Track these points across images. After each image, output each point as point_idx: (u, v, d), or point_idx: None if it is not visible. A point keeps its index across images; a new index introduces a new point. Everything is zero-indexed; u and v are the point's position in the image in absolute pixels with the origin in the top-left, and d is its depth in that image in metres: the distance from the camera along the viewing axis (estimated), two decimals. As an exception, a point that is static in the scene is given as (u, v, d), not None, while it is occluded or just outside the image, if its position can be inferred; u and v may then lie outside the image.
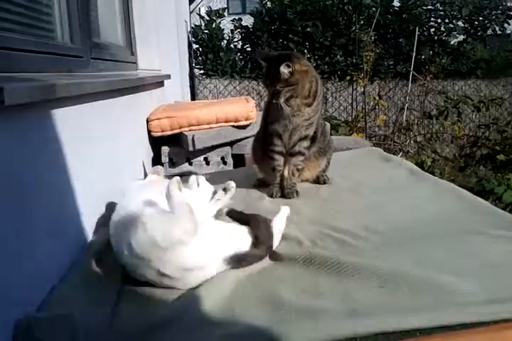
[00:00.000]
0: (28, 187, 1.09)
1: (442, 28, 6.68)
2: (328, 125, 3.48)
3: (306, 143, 1.97)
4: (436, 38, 6.63)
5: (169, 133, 2.77)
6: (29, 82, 1.13)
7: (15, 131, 1.05)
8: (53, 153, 1.29)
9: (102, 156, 1.74)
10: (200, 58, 6.85)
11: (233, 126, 2.89)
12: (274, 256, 1.32)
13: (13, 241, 1.00)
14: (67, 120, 1.36)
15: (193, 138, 2.70)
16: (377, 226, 1.47)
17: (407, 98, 5.53)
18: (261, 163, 2.13)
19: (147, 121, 2.75)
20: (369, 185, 1.94)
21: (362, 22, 6.23)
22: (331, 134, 3.74)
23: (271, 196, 1.95)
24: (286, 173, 1.99)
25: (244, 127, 2.90)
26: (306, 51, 5.97)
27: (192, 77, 6.33)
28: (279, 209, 1.53)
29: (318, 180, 2.12)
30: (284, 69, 1.78)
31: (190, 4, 7.22)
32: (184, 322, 1.00)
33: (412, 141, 5.05)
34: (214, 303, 1.07)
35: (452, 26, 6.61)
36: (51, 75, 1.53)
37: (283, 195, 1.95)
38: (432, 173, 4.01)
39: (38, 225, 1.13)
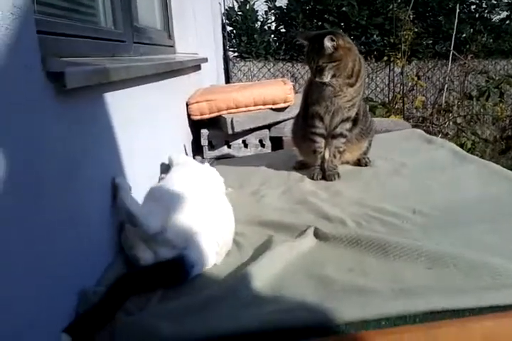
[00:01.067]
0: (78, 162, 1.13)
1: (484, 5, 6.42)
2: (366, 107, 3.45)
3: (348, 125, 1.96)
4: (477, 15, 6.37)
5: (208, 116, 2.80)
6: (85, 67, 1.16)
7: (73, 114, 1.09)
8: (103, 133, 1.33)
9: (145, 138, 1.79)
10: (234, 40, 6.81)
11: (271, 109, 2.90)
12: (320, 235, 1.34)
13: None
14: (115, 103, 1.40)
15: (231, 121, 2.72)
16: (424, 208, 1.47)
17: (447, 78, 5.37)
18: (301, 145, 2.13)
19: (187, 105, 2.79)
20: (412, 167, 1.92)
21: (399, 0, 6.06)
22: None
23: (312, 178, 1.96)
24: (327, 155, 1.99)
25: (282, 109, 2.90)
26: (341, 31, 5.85)
27: (226, 59, 6.32)
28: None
29: (360, 163, 2.10)
30: (328, 43, 1.75)
31: (223, -14, 7.16)
32: (237, 298, 1.04)
33: (451, 123, 4.92)
34: (265, 281, 1.10)
35: (495, 2, 6.35)
36: (98, 60, 1.57)
37: (324, 177, 1.95)
38: (473, 156, 3.92)
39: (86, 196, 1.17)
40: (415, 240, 1.23)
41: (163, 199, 1.32)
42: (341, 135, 1.96)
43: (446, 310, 0.93)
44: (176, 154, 1.93)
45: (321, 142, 1.98)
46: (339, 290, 1.05)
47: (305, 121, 2.04)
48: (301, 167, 2.13)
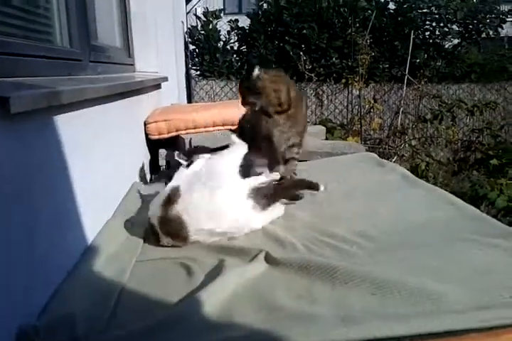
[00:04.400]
0: (33, 191, 1.11)
1: (437, 32, 6.72)
2: (322, 128, 3.53)
3: (296, 149, 2.04)
4: (431, 41, 6.67)
5: (166, 136, 2.79)
6: (34, 90, 1.15)
7: (19, 138, 1.08)
8: (56, 157, 1.31)
9: (101, 160, 1.77)
10: (196, 59, 6.86)
11: (231, 130, 2.92)
12: (270, 260, 1.35)
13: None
14: (67, 125, 1.38)
15: (190, 141, 2.72)
16: (371, 231, 1.50)
17: (402, 102, 5.57)
18: None
19: (144, 124, 2.78)
20: (363, 190, 1.97)
21: (358, 24, 6.26)
22: (327, 138, 3.78)
23: None
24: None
25: (241, 131, 2.92)
26: (302, 53, 5.99)
27: (188, 78, 6.35)
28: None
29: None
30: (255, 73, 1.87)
31: (186, 4, 7.22)
32: (184, 325, 1.03)
33: (406, 145, 5.09)
34: (215, 307, 1.10)
35: (447, 30, 6.66)
36: (52, 79, 1.55)
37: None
38: (426, 177, 4.06)
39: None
40: (362, 265, 1.26)
41: None
42: (294, 159, 2.05)
43: (387, 337, 0.95)
44: None
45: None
46: (287, 317, 1.05)
47: None
48: None
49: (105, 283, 1.26)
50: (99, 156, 1.73)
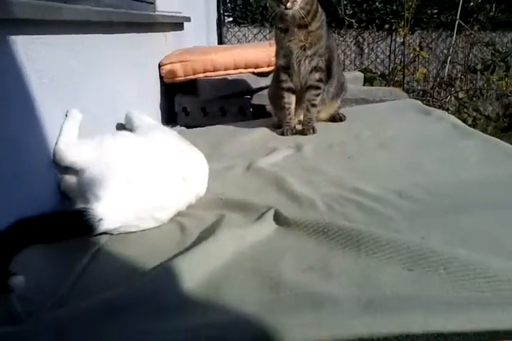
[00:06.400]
0: None
1: (494, -27, 6.02)
2: (360, 74, 3.16)
3: (317, 75, 1.87)
4: (486, -17, 5.98)
5: (183, 79, 2.50)
6: None
7: None
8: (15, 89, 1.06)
9: (95, 97, 1.52)
10: (228, 4, 6.43)
11: (253, 73, 2.61)
12: (281, 220, 1.08)
13: None
14: (34, 49, 1.12)
15: (207, 85, 2.44)
16: (413, 191, 1.20)
17: (451, 50, 5.03)
18: (275, 102, 2.06)
19: (159, 66, 2.49)
20: (405, 141, 1.65)
21: (405, -35, 5.65)
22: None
23: (282, 134, 1.91)
24: (301, 109, 1.97)
25: (266, 74, 2.61)
26: (342, -3, 5.47)
27: (220, 24, 5.96)
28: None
29: (334, 119, 2.07)
30: None
31: None
32: (155, 305, 0.79)
33: (453, 98, 4.61)
34: (197, 281, 0.85)
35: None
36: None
37: (297, 133, 1.91)
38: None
39: None
40: (397, 232, 0.97)
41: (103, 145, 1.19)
42: (312, 87, 1.89)
43: (427, 333, 0.67)
44: (135, 113, 1.66)
45: (288, 97, 1.92)
46: (290, 297, 0.79)
47: (276, 77, 1.99)
48: (279, 126, 2.01)
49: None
50: (89, 96, 1.48)
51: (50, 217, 1.01)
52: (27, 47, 1.08)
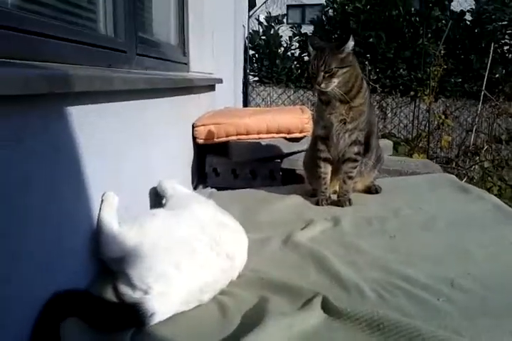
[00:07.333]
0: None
1: (517, 47, 6.17)
2: (390, 143, 3.16)
3: (356, 149, 1.85)
4: (510, 56, 6.12)
5: (215, 141, 2.53)
6: (27, 69, 0.88)
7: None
8: (70, 159, 1.05)
9: (136, 163, 1.52)
10: (255, 65, 6.64)
11: (285, 138, 2.63)
12: (329, 309, 1.02)
13: None
14: (84, 119, 1.12)
15: (240, 147, 2.45)
16: (466, 281, 1.14)
17: (477, 119, 5.07)
18: (310, 170, 2.04)
19: (193, 127, 2.53)
20: (447, 222, 1.59)
21: (429, 35, 5.84)
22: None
23: (317, 204, 1.88)
24: (336, 180, 1.94)
25: (297, 140, 2.63)
26: (367, 63, 5.63)
27: (246, 83, 6.13)
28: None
29: (370, 190, 2.04)
30: (351, 41, 1.66)
31: (249, 10, 7.03)
32: None
33: (477, 166, 4.60)
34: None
35: (528, 45, 6.10)
36: (84, 68, 1.31)
37: (332, 203, 1.89)
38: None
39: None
40: (456, 332, 0.91)
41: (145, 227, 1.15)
42: (350, 159, 1.86)
43: None
44: (168, 182, 1.64)
45: (325, 167, 1.90)
46: None
47: (313, 146, 1.98)
48: (313, 195, 1.99)
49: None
50: (132, 157, 1.48)
51: (99, 301, 0.99)
52: (80, 118, 1.09)
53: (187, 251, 1.10)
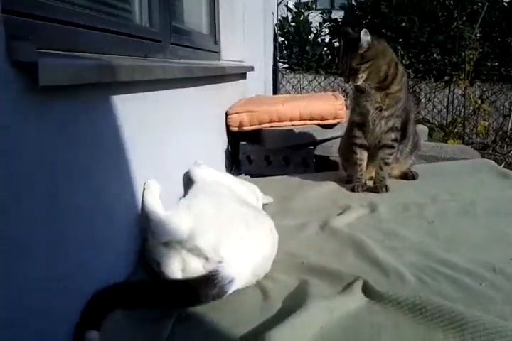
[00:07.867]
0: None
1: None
2: (425, 128, 3.11)
3: (393, 135, 1.85)
4: (550, 38, 5.89)
5: (248, 128, 2.54)
6: (75, 60, 0.91)
7: (53, 120, 0.84)
8: (115, 144, 1.09)
9: (174, 151, 1.55)
10: (285, 52, 6.58)
11: (318, 125, 2.62)
12: (370, 293, 1.03)
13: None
14: (128, 108, 1.15)
15: (273, 135, 2.46)
16: (507, 266, 1.13)
17: (515, 103, 4.92)
18: (346, 157, 2.05)
19: (226, 115, 2.55)
20: (485, 208, 1.57)
21: (464, 18, 5.66)
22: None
23: (352, 190, 1.88)
24: (372, 166, 1.93)
25: (330, 126, 2.62)
26: (399, 48, 5.51)
27: (275, 70, 6.10)
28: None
29: (406, 176, 2.03)
30: (364, 36, 1.66)
31: (278, -4, 6.96)
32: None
33: (515, 152, 4.48)
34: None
35: None
36: (123, 58, 1.34)
37: (368, 189, 1.89)
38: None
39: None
40: (500, 317, 0.90)
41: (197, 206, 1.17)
42: (386, 146, 1.86)
43: None
44: (199, 168, 1.64)
45: (361, 153, 1.90)
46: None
47: (348, 132, 1.98)
48: (348, 182, 2.00)
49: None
50: (170, 145, 1.51)
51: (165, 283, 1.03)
52: (122, 105, 1.12)
53: (244, 225, 1.13)
